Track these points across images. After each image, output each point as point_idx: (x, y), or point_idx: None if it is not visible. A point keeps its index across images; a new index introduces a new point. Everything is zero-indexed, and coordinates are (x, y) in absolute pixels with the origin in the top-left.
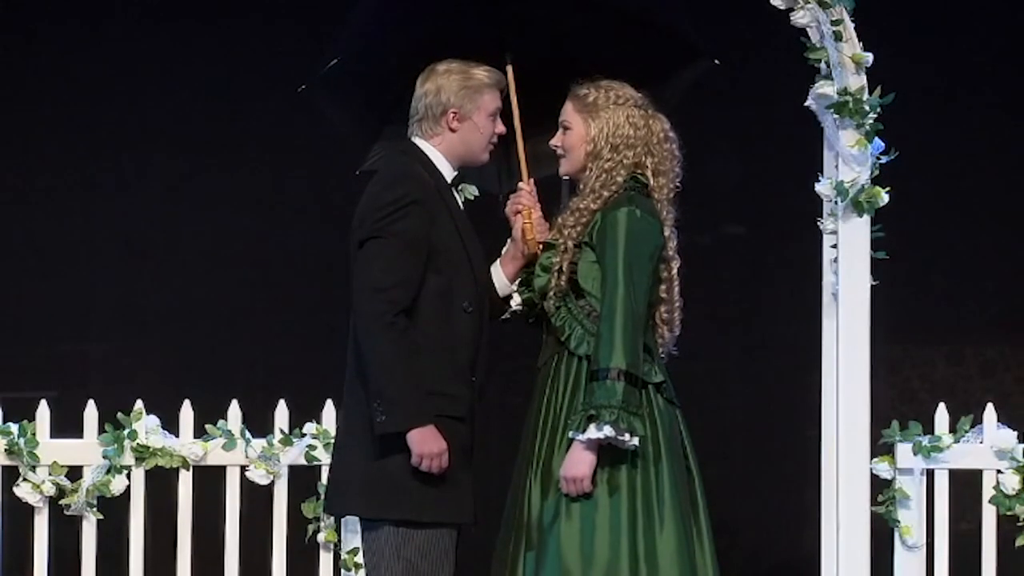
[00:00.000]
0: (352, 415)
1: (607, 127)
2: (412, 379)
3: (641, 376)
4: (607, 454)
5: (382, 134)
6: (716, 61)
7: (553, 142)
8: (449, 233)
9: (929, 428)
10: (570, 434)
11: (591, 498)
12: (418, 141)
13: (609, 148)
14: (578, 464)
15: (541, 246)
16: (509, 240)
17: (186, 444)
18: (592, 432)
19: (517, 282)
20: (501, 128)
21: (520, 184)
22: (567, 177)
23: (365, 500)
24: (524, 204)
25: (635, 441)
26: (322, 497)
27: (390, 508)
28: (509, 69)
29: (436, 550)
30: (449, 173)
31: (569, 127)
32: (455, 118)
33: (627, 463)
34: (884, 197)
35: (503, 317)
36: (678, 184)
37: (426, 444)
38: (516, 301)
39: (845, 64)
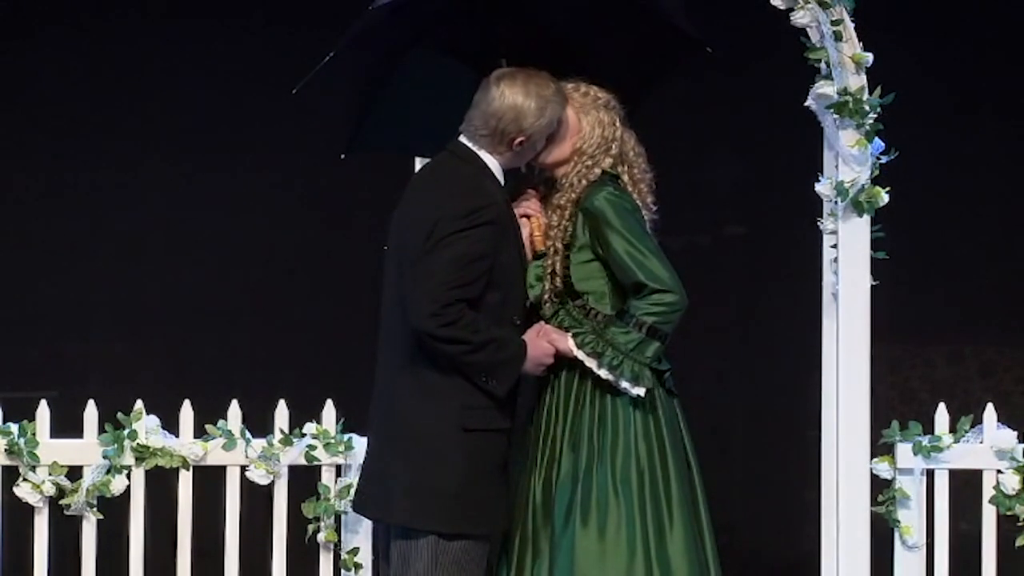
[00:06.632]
0: (398, 420)
1: (597, 126)
2: (489, 340)
3: (668, 333)
4: (616, 450)
5: (364, 125)
6: (709, 49)
7: None
8: (511, 253)
9: (929, 428)
10: (570, 340)
11: (602, 499)
12: (477, 149)
13: (595, 146)
14: (545, 350)
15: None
16: None
17: (186, 444)
18: (589, 361)
19: None
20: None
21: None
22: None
23: (411, 510)
24: (532, 210)
25: (639, 391)
26: (325, 498)
27: (438, 520)
28: (503, 64)
29: (471, 558)
30: (503, 180)
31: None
32: (521, 143)
33: (634, 456)
34: (884, 197)
35: None
36: (654, 187)
37: (541, 360)
38: None
39: (845, 64)
